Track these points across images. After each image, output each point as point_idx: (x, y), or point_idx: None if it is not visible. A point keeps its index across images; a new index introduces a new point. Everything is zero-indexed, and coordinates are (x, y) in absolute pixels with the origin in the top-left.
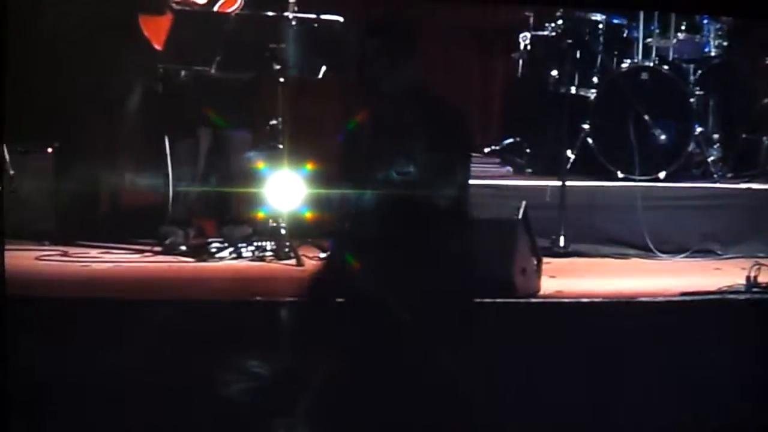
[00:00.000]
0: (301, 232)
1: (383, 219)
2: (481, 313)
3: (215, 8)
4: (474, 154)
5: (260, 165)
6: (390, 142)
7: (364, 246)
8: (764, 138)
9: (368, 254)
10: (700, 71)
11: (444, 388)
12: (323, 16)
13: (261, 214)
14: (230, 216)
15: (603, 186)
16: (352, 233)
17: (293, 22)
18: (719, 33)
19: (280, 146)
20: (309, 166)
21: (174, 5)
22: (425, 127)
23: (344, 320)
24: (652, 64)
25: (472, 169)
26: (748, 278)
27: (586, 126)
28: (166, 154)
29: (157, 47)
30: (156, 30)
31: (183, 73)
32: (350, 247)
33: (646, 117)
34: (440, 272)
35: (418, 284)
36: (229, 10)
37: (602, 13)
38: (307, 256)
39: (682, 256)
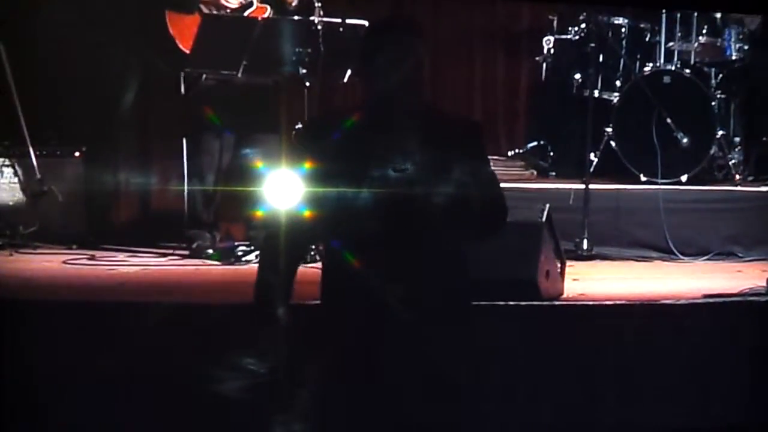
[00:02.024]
0: None
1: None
2: (499, 315)
3: (245, 14)
4: (498, 157)
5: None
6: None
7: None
8: None
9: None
10: (721, 75)
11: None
12: (349, 21)
13: None
14: (258, 219)
15: (626, 189)
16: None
17: (319, 27)
18: (740, 36)
19: None
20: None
21: (203, 8)
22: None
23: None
24: (674, 68)
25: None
26: None
27: (609, 129)
28: (192, 158)
29: (183, 48)
30: (182, 30)
31: (208, 76)
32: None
33: (669, 120)
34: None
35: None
36: (259, 17)
37: (625, 16)
38: None
39: (704, 258)
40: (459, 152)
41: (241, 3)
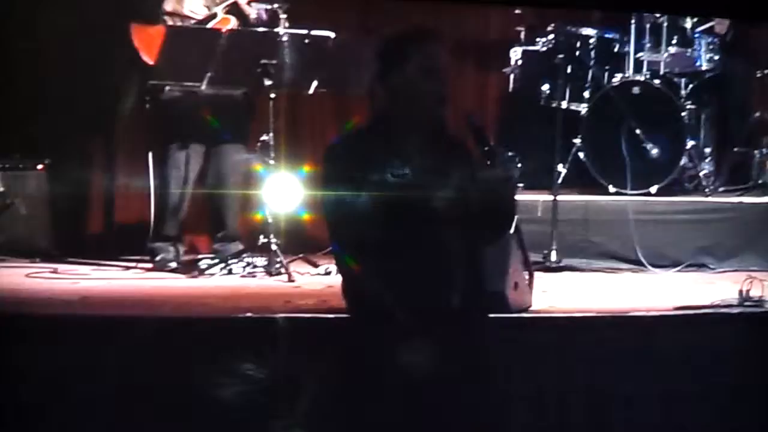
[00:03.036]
0: (292, 248)
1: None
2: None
3: (209, 25)
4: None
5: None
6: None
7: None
8: (756, 152)
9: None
10: (692, 85)
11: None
12: (314, 32)
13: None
14: (222, 232)
15: (595, 200)
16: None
17: (284, 38)
18: (711, 46)
19: (272, 162)
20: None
21: (167, 19)
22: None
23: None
24: (643, 78)
25: None
26: (740, 292)
27: (577, 140)
28: (156, 170)
29: (147, 60)
30: (146, 42)
31: (172, 88)
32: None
33: (638, 131)
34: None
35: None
36: (223, 29)
37: (594, 27)
38: (298, 272)
39: (675, 270)
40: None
41: (206, 15)
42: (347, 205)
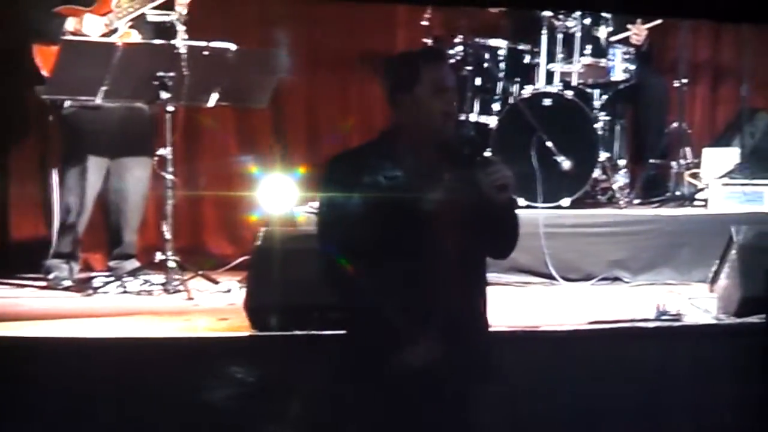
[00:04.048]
0: (191, 266)
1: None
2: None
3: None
4: None
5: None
6: None
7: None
8: (672, 163)
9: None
10: (606, 96)
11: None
12: (214, 44)
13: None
14: (118, 249)
15: None
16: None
17: (183, 51)
18: (626, 57)
19: (171, 176)
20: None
21: (69, 35)
22: None
23: None
24: (555, 90)
25: None
26: (657, 306)
27: (487, 153)
28: (58, 186)
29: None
30: (49, 59)
31: (70, 103)
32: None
33: (549, 144)
34: None
35: None
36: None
37: (503, 38)
38: (198, 290)
39: (589, 283)
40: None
41: (103, 33)
42: (358, 214)
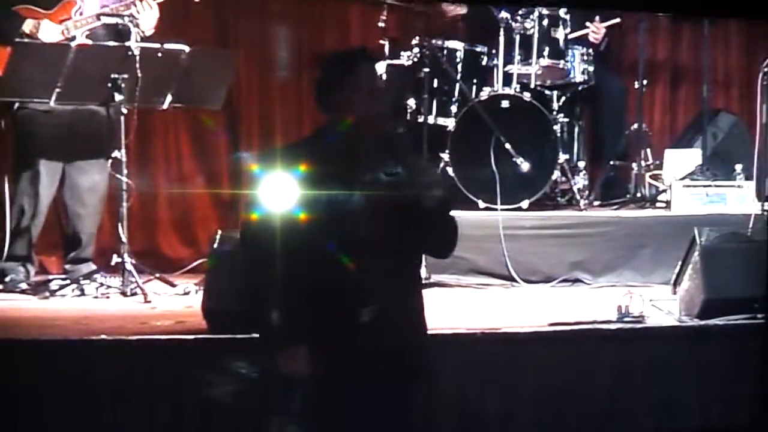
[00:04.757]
0: (149, 268)
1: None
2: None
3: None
4: None
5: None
6: None
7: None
8: (633, 164)
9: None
10: (564, 97)
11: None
12: (167, 46)
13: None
14: (74, 252)
15: (464, 216)
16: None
17: (136, 52)
18: (585, 58)
19: (125, 179)
20: None
21: (24, 38)
22: None
23: None
24: (512, 92)
25: None
26: (619, 307)
27: (445, 156)
28: (10, 189)
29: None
30: (2, 61)
31: (25, 105)
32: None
33: (508, 145)
34: None
35: None
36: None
37: (460, 40)
38: (155, 293)
39: (549, 285)
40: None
41: (59, 41)
42: (287, 211)
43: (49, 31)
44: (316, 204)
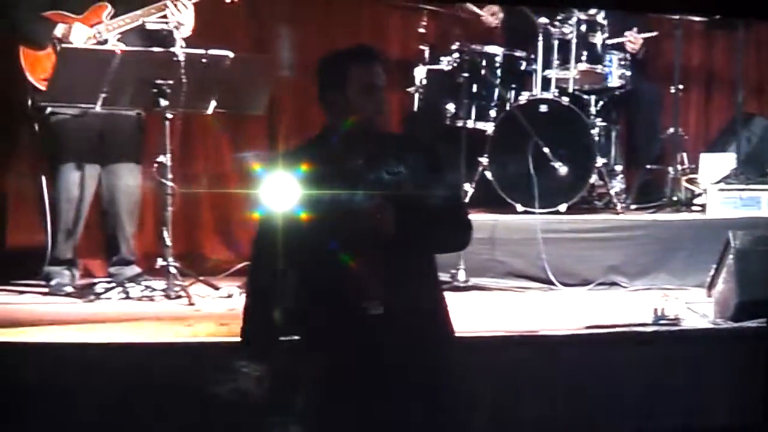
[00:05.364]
0: (192, 271)
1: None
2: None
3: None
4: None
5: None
6: None
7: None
8: (669, 168)
9: None
10: (602, 102)
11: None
12: (212, 51)
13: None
14: (116, 255)
15: (502, 219)
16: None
17: (181, 58)
18: (622, 63)
19: (170, 183)
20: None
21: (57, 42)
22: None
23: None
24: (551, 96)
25: None
26: (655, 310)
27: (484, 160)
28: (49, 193)
29: (35, 83)
30: (35, 64)
31: (61, 109)
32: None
33: (546, 149)
34: None
35: None
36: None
37: (499, 45)
38: (199, 296)
39: (586, 288)
40: (424, 165)
41: (93, 44)
42: (291, 216)
43: (81, 35)
44: (317, 204)
